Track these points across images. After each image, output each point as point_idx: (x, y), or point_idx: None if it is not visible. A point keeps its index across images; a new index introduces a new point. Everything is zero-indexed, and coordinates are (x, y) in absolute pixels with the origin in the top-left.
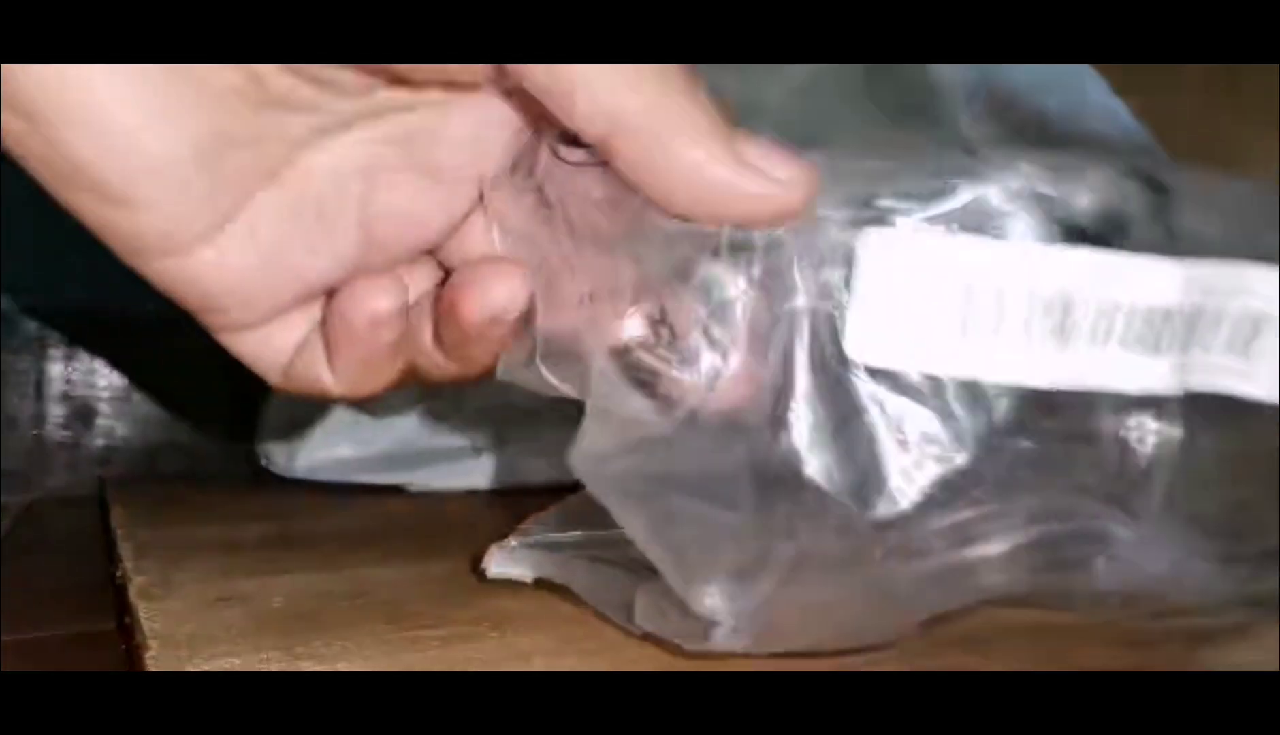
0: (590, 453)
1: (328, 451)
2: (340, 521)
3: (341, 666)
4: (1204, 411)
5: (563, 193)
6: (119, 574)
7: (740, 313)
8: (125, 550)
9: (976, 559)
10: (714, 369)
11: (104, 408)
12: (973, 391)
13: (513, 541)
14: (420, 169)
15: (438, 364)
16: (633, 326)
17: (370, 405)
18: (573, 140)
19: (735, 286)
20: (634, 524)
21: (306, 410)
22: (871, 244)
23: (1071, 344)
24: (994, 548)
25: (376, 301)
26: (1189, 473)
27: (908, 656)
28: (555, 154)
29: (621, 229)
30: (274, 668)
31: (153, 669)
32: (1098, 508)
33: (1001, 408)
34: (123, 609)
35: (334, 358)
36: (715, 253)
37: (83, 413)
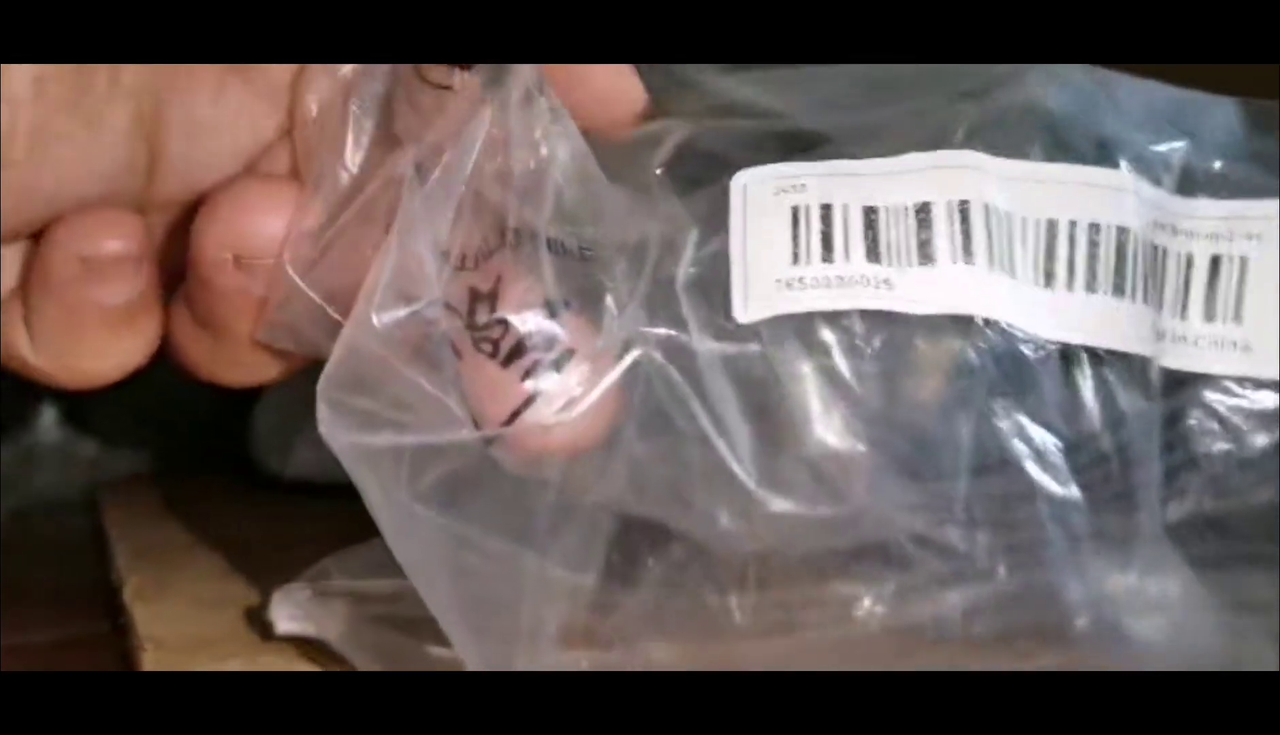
0: (350, 432)
1: (322, 452)
2: (336, 523)
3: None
4: (1196, 394)
5: (414, 121)
6: (113, 577)
7: (606, 313)
8: (119, 552)
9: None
10: (548, 377)
11: (97, 409)
12: (895, 344)
13: (299, 590)
14: (228, 66)
15: (193, 338)
16: (452, 289)
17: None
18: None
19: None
20: (413, 557)
21: (300, 411)
22: (744, 184)
23: (1016, 271)
24: (948, 600)
25: (92, 240)
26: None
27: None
28: (417, 72)
29: (499, 186)
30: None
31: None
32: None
33: (939, 363)
34: (117, 612)
35: (32, 316)
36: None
37: (75, 415)
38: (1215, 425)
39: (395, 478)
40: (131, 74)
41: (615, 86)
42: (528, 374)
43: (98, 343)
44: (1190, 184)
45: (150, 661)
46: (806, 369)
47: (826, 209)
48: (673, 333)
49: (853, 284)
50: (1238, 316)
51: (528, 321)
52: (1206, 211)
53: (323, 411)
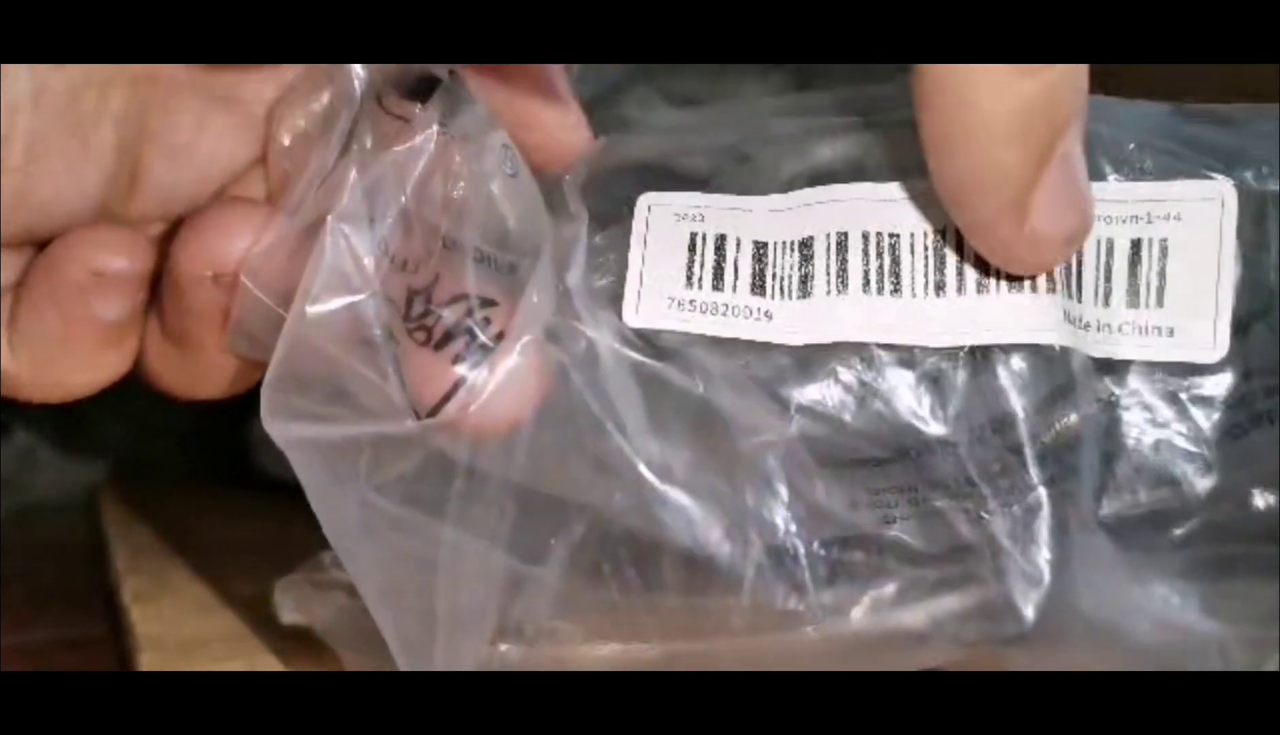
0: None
1: None
2: None
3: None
4: (1123, 382)
5: (374, 146)
6: (111, 577)
7: (531, 301)
8: (118, 554)
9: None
10: (473, 365)
11: (96, 411)
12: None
13: (298, 582)
14: (207, 92)
15: (162, 353)
16: (391, 286)
17: None
18: (408, 90)
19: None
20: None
21: None
22: (649, 204)
23: (903, 289)
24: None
25: (105, 255)
26: (1120, 469)
27: None
28: (380, 104)
29: (439, 205)
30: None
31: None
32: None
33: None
34: (115, 613)
35: (20, 320)
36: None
37: (75, 416)
38: (1144, 413)
39: (338, 469)
40: (119, 95)
41: (563, 127)
42: (456, 360)
43: (84, 356)
44: (1104, 168)
45: (148, 662)
46: (703, 374)
47: (721, 239)
48: (577, 326)
49: (737, 313)
50: (1160, 301)
51: (457, 312)
52: (1123, 194)
53: (265, 407)
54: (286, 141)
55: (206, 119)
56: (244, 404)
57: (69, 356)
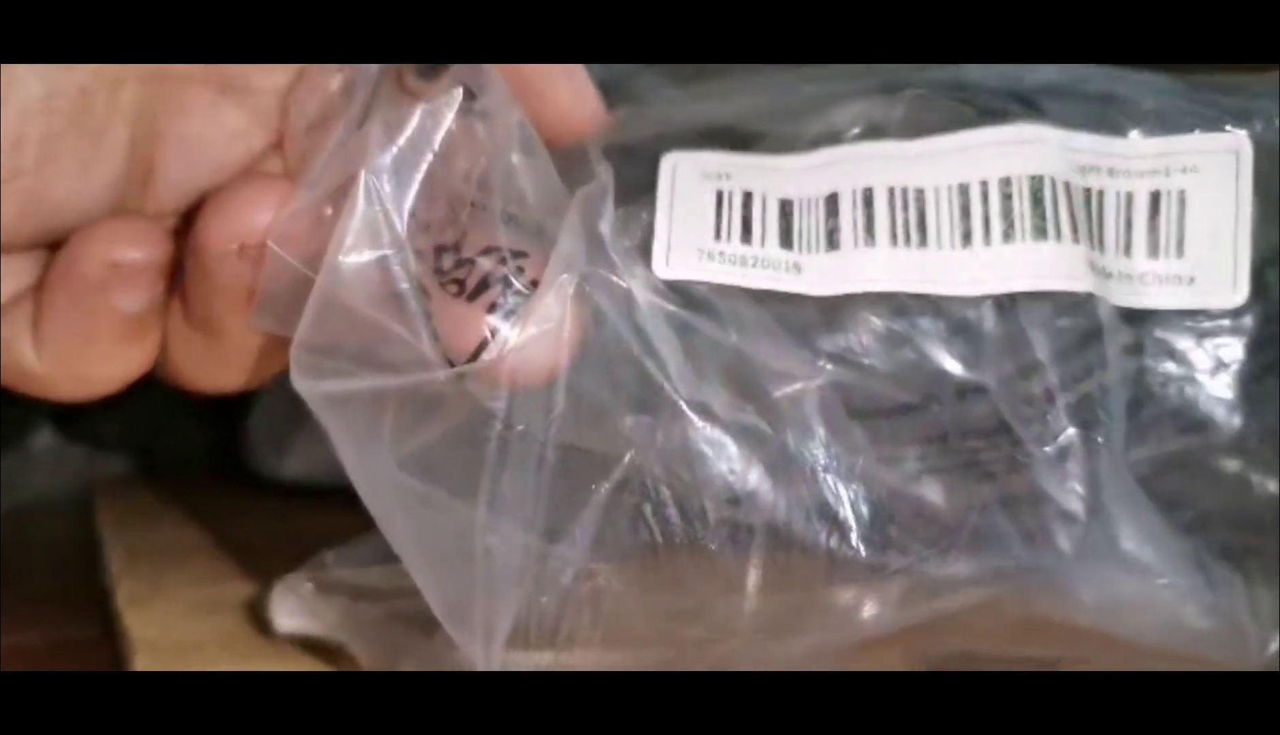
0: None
1: (318, 452)
2: (332, 523)
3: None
4: (1148, 331)
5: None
6: (106, 581)
7: (559, 254)
8: (113, 557)
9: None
10: (508, 313)
11: (92, 411)
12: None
13: (300, 582)
14: (218, 83)
15: (184, 343)
16: (419, 243)
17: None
18: (426, 69)
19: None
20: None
21: (295, 413)
22: (674, 164)
23: (929, 241)
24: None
25: (121, 246)
26: (1147, 421)
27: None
28: (400, 82)
29: (461, 176)
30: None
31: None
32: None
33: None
34: (109, 615)
35: (43, 321)
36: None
37: (71, 416)
38: (1168, 360)
39: (366, 425)
40: (129, 93)
41: (576, 101)
42: (491, 309)
43: (107, 351)
44: (1123, 125)
45: (142, 665)
46: (735, 323)
47: (748, 196)
48: (610, 276)
49: (766, 265)
50: (1180, 251)
51: (490, 261)
52: (1141, 149)
53: (295, 366)
54: (304, 124)
55: (218, 110)
56: (242, 403)
57: (92, 353)
